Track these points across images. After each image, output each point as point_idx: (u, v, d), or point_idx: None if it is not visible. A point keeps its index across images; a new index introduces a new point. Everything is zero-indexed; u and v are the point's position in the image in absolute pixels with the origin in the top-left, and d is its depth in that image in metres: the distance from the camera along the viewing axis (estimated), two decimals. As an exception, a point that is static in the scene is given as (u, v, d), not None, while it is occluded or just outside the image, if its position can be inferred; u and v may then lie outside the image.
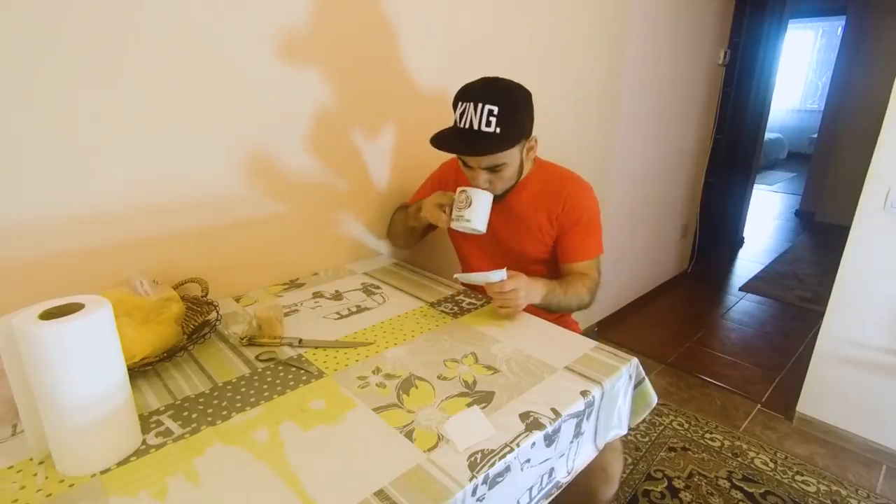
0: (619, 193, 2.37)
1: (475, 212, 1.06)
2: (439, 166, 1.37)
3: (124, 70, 0.90)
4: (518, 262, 1.19)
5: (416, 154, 1.45)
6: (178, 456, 0.65)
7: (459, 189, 1.09)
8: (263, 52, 1.07)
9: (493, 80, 1.03)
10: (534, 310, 1.11)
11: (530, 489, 0.73)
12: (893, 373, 1.63)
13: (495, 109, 0.97)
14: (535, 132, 1.10)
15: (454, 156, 1.34)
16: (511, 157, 1.06)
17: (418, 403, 0.76)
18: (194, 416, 0.73)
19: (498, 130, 0.97)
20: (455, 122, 1.03)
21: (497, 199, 1.13)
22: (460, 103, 1.01)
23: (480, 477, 0.62)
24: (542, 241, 1.20)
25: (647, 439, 1.77)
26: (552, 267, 1.23)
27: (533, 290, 1.03)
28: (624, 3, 2.02)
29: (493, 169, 1.06)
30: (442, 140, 1.05)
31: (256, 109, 1.09)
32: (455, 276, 1.03)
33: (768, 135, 5.35)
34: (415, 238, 1.33)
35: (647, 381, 0.95)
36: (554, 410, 0.75)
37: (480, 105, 0.97)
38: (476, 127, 0.98)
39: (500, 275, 0.97)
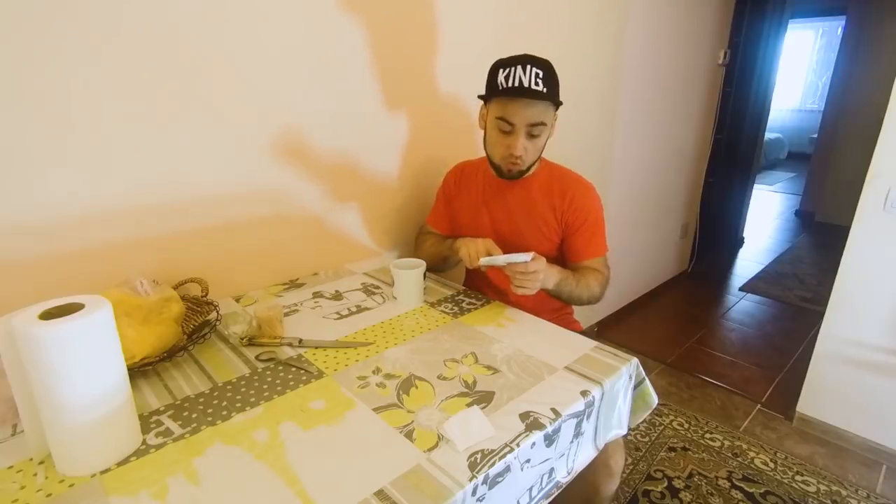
0: (619, 194, 2.37)
1: (397, 290, 1.13)
2: (444, 178, 1.37)
3: (124, 70, 0.90)
4: None
5: (418, 154, 1.45)
6: (178, 456, 0.65)
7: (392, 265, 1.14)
8: (266, 53, 1.07)
9: (532, 54, 1.08)
10: (536, 308, 1.11)
11: (530, 489, 0.73)
12: (893, 373, 1.63)
13: (541, 73, 1.04)
14: None
15: (455, 166, 1.36)
16: (548, 120, 1.10)
17: (418, 403, 0.76)
18: (194, 416, 0.73)
19: (545, 90, 1.05)
20: (498, 85, 1.07)
21: (510, 181, 1.19)
22: (503, 69, 1.06)
23: (480, 477, 0.62)
24: (547, 236, 1.21)
25: (647, 439, 1.77)
26: (563, 262, 1.23)
27: (549, 274, 1.05)
28: (624, 3, 2.02)
29: (533, 130, 1.09)
30: (493, 92, 1.09)
31: (257, 110, 1.09)
32: (480, 259, 1.04)
33: (768, 135, 5.35)
34: (449, 266, 1.31)
35: (647, 381, 0.95)
36: (554, 410, 0.75)
37: (529, 67, 1.04)
38: (526, 84, 1.03)
39: (525, 256, 0.98)
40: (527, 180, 1.20)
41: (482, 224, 1.26)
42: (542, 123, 1.09)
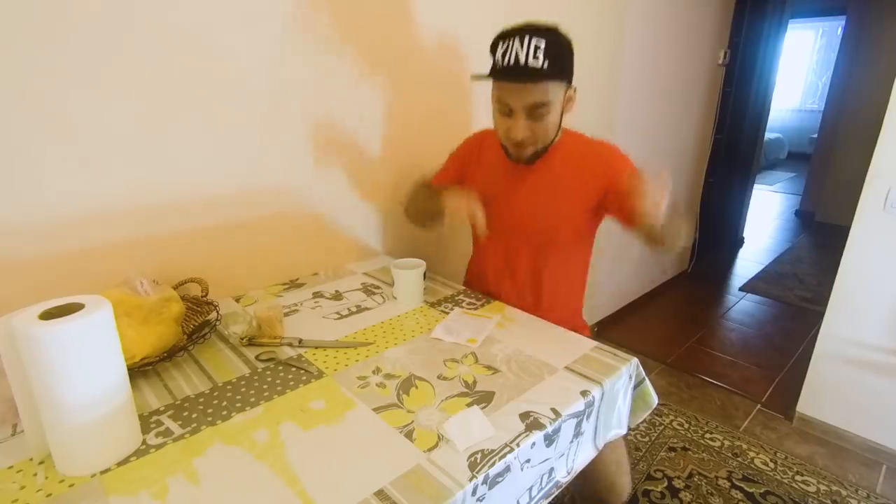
0: (619, 193, 2.37)
1: (397, 290, 1.12)
2: (465, 141, 1.26)
3: (124, 70, 0.90)
4: (532, 246, 1.14)
5: (418, 153, 1.45)
6: (178, 456, 0.65)
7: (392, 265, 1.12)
8: (266, 53, 1.07)
9: (536, 21, 0.97)
10: (535, 308, 1.11)
11: (530, 489, 0.73)
12: (893, 373, 1.63)
13: (542, 43, 0.92)
14: None
15: (478, 132, 1.25)
16: (555, 97, 0.98)
17: (418, 403, 0.76)
18: (194, 416, 0.73)
19: (545, 66, 0.92)
20: (495, 63, 0.97)
21: (527, 165, 1.07)
22: (501, 42, 0.95)
23: (480, 477, 0.62)
24: (570, 213, 1.10)
25: (647, 439, 1.77)
26: (577, 252, 1.18)
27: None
28: (623, 2, 2.02)
29: (535, 112, 0.97)
30: (491, 71, 0.98)
31: (256, 110, 1.09)
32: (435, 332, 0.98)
33: (768, 135, 5.34)
34: (436, 222, 1.19)
35: (647, 381, 0.95)
36: (554, 410, 0.75)
37: (527, 38, 0.92)
38: (522, 62, 0.92)
39: (489, 324, 0.99)
40: (551, 152, 1.08)
41: (498, 198, 1.15)
42: (544, 104, 0.96)
